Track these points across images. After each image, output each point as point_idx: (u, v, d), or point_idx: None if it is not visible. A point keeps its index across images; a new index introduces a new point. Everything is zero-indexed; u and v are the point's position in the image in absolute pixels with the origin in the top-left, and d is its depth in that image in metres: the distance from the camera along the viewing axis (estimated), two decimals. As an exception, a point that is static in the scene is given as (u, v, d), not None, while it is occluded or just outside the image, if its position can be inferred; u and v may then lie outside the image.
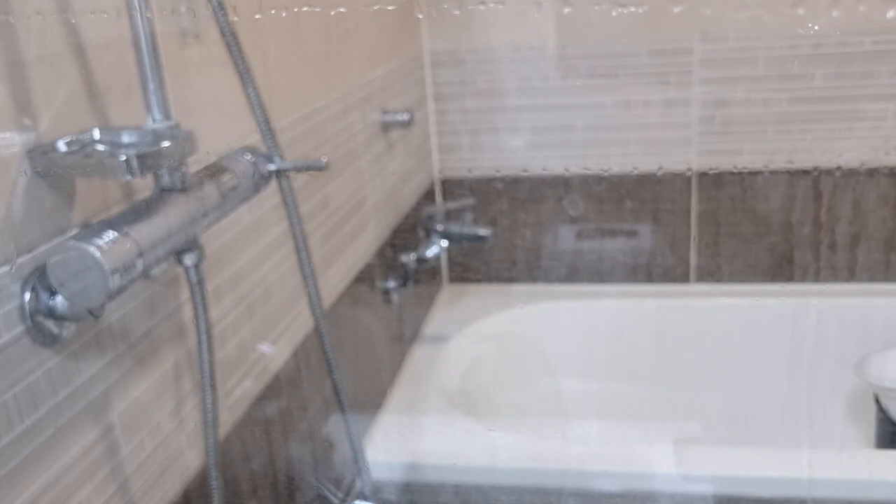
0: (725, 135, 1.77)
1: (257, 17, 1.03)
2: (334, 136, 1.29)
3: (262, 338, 1.05)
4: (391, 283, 1.57)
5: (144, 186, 0.77)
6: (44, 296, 0.63)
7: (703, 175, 1.81)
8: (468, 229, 1.75)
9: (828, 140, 1.74)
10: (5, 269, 0.61)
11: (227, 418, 0.96)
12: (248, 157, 0.86)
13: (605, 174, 1.85)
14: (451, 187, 1.92)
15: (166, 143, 0.66)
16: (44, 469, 0.65)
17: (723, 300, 1.86)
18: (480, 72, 1.82)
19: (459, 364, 1.68)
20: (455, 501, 1.33)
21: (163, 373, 0.82)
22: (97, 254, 0.60)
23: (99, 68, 0.72)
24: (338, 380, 1.08)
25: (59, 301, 0.64)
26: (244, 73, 0.84)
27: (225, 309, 0.95)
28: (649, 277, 1.91)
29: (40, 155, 0.64)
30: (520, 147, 1.87)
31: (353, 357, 1.37)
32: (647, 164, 1.82)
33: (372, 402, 1.48)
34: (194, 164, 0.76)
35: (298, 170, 0.94)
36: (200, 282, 0.78)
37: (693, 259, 1.88)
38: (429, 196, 1.86)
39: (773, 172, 1.78)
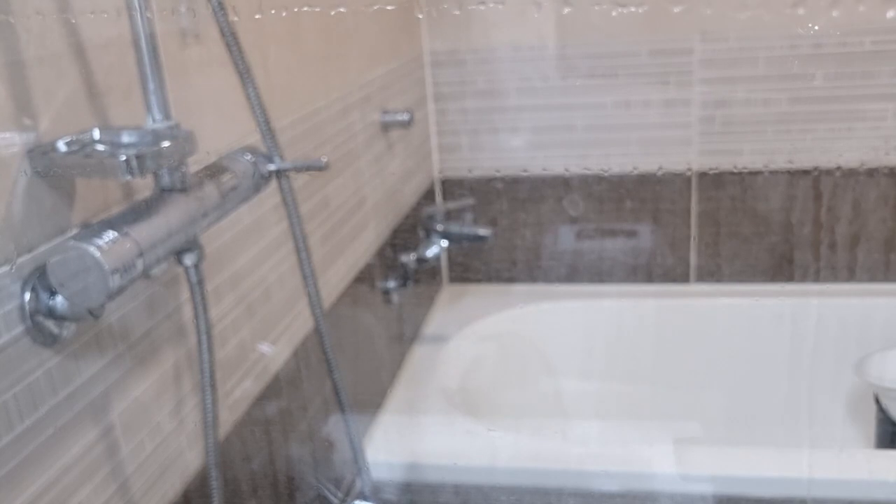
0: (725, 135, 1.77)
1: (257, 17, 1.03)
2: (334, 136, 1.29)
3: (262, 338, 1.05)
4: (391, 283, 1.57)
5: (144, 186, 0.77)
6: (44, 296, 0.63)
7: (703, 175, 1.81)
8: (468, 229, 1.75)
9: (828, 140, 1.74)
10: (5, 269, 0.61)
11: (227, 418, 0.96)
12: (248, 157, 0.86)
13: (605, 174, 1.85)
14: (451, 187, 1.92)
15: (166, 143, 0.66)
16: (44, 469, 0.65)
17: (723, 300, 1.86)
18: (480, 72, 1.82)
19: (459, 364, 1.68)
20: (455, 501, 1.33)
21: (163, 373, 0.82)
22: (97, 254, 0.60)
23: (99, 68, 0.72)
24: (338, 380, 1.08)
25: (59, 301, 0.64)
26: (244, 73, 0.84)
27: (225, 309, 0.95)
28: (649, 277, 1.91)
29: (40, 155, 0.64)
30: (520, 147, 1.87)
31: (353, 357, 1.37)
32: (647, 164, 1.82)
33: (372, 402, 1.48)
34: (194, 164, 0.76)
35: (298, 170, 0.94)
36: (200, 282, 0.78)
37: (693, 259, 1.88)
38: (429, 196, 1.86)
39: (773, 172, 1.78)
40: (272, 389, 1.07)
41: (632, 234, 1.89)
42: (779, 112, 1.74)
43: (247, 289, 1.00)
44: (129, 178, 0.65)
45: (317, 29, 1.24)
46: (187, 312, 0.86)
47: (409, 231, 1.70)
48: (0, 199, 0.61)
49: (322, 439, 1.23)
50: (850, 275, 1.82)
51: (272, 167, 0.89)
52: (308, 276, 0.98)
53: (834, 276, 1.83)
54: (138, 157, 0.63)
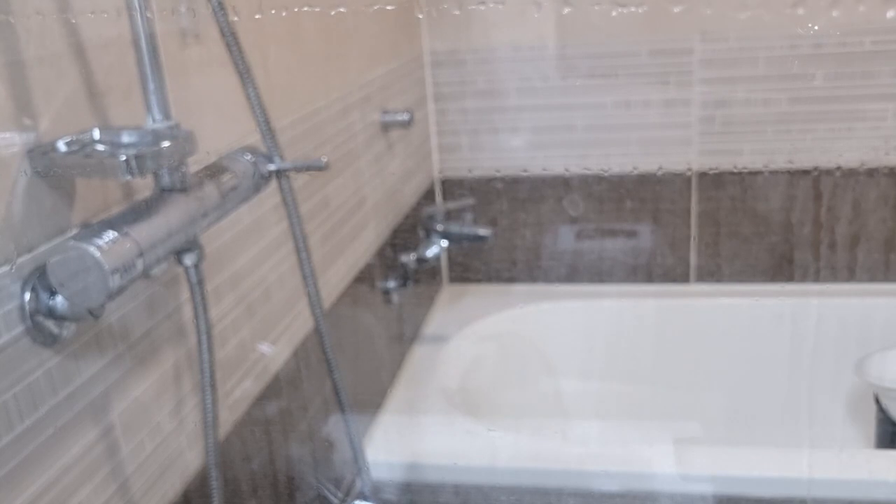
0: (725, 135, 1.77)
1: (257, 17, 1.03)
2: (334, 136, 1.29)
3: (262, 338, 1.05)
4: (391, 283, 1.57)
5: (144, 186, 0.77)
6: (44, 296, 0.63)
7: (703, 175, 1.81)
8: (468, 229, 1.75)
9: (828, 140, 1.74)
10: (5, 269, 0.61)
11: (227, 418, 0.96)
12: (248, 157, 0.86)
13: (605, 174, 1.85)
14: (451, 187, 1.92)
15: (166, 143, 0.66)
16: (44, 469, 0.65)
17: (723, 300, 1.86)
18: (480, 72, 1.82)
19: (459, 364, 1.68)
20: (455, 501, 1.33)
21: (163, 373, 0.82)
22: (97, 254, 0.60)
23: (99, 68, 0.72)
24: (338, 380, 1.08)
25: (59, 301, 0.64)
26: (244, 73, 0.84)
27: (225, 309, 0.95)
28: (649, 277, 1.91)
29: (40, 155, 0.64)
30: (520, 147, 1.87)
31: (353, 357, 1.37)
32: (647, 164, 1.82)
33: (372, 402, 1.48)
34: (194, 164, 0.76)
35: (298, 170, 0.94)
36: (200, 282, 0.78)
37: (693, 259, 1.88)
38: (429, 196, 1.86)
39: (773, 172, 1.78)
40: (272, 389, 1.07)
41: (632, 234, 1.89)
42: (779, 112, 1.73)
43: (247, 289, 1.00)
44: (129, 178, 0.65)
45: (317, 29, 1.24)
46: (187, 312, 0.86)
47: (409, 231, 1.70)
48: (0, 199, 0.61)
49: (322, 439, 1.23)
50: (850, 275, 1.82)
51: (272, 167, 0.89)
52: (308, 276, 0.98)
53: (834, 276, 1.83)
54: (138, 157, 0.63)
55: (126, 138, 0.69)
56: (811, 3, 1.63)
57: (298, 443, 1.16)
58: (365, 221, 1.43)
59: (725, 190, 1.81)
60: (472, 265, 1.98)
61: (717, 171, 1.80)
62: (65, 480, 0.67)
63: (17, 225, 0.62)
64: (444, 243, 1.73)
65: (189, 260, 0.76)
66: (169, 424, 0.83)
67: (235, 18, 0.82)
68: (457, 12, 1.77)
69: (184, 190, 0.72)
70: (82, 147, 0.67)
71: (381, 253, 1.52)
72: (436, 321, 1.82)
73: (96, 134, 0.69)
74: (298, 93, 1.17)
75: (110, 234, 0.62)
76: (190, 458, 0.87)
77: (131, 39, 0.67)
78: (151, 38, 0.67)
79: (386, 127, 1.55)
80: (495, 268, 1.97)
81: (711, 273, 1.89)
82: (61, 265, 0.60)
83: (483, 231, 1.76)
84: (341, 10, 1.31)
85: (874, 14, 1.64)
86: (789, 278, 1.85)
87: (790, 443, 1.44)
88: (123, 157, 0.63)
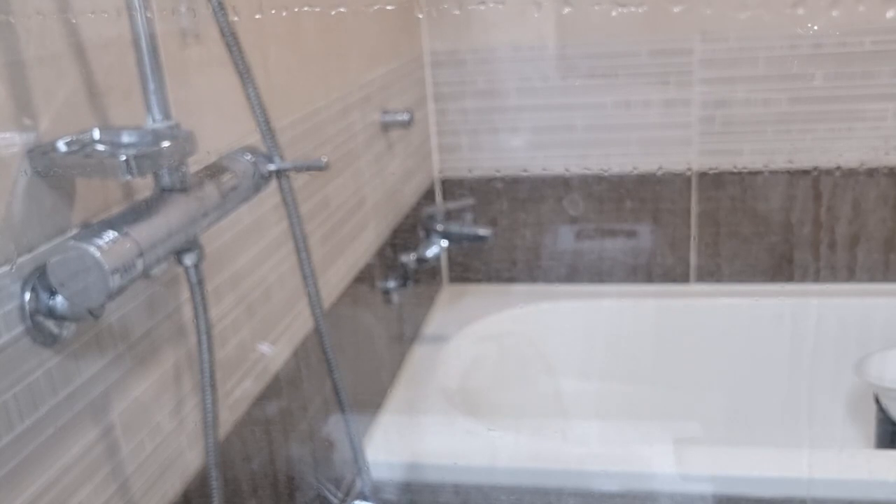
0: (725, 135, 1.77)
1: (257, 17, 1.03)
2: (334, 136, 1.29)
3: (262, 338, 1.05)
4: (391, 283, 1.57)
5: (144, 186, 0.77)
6: (44, 296, 0.63)
7: (703, 175, 1.81)
8: (468, 229, 1.75)
9: (828, 140, 1.74)
10: (5, 269, 0.61)
11: (227, 418, 0.96)
12: (248, 157, 0.86)
13: (605, 174, 1.85)
14: (451, 187, 1.92)
15: (166, 143, 0.66)
16: (44, 469, 0.65)
17: (723, 300, 1.86)
18: (480, 72, 1.82)
19: (459, 364, 1.68)
20: (455, 501, 1.33)
21: (163, 373, 0.82)
22: (97, 254, 0.60)
23: (99, 68, 0.72)
24: (338, 380, 1.08)
25: (59, 301, 0.64)
26: (244, 73, 0.84)
27: (225, 309, 0.95)
28: (649, 277, 1.91)
29: (40, 155, 0.64)
30: (520, 147, 1.87)
31: (353, 357, 1.37)
32: (647, 164, 1.82)
33: (372, 402, 1.48)
34: (194, 164, 0.76)
35: (298, 170, 0.94)
36: (200, 282, 0.78)
37: (693, 259, 1.88)
38: (429, 196, 1.86)
39: (773, 172, 1.78)
40: (272, 389, 1.07)
41: (632, 234, 1.89)
42: (779, 112, 1.74)
43: (247, 289, 1.00)
44: (129, 178, 0.65)
45: (317, 29, 1.24)
46: (187, 312, 0.86)
47: (409, 231, 1.70)
48: (0, 199, 0.61)
49: (322, 439, 1.23)
50: (850, 275, 1.82)
51: (272, 167, 0.89)
52: (308, 276, 0.98)
53: (834, 276, 1.83)
54: (138, 157, 0.63)
55: (126, 138, 0.69)
56: (811, 3, 1.63)
57: (298, 443, 1.16)
58: (365, 221, 1.43)
59: (725, 190, 1.81)
60: (472, 265, 1.98)
61: (717, 171, 1.80)
62: (65, 480, 0.67)
63: (17, 225, 0.62)
64: (444, 243, 1.73)
65: (189, 260, 0.76)
66: (169, 424, 0.83)
67: (235, 18, 0.82)
68: (457, 12, 1.77)
69: (184, 190, 0.72)
70: (82, 147, 0.67)
71: (381, 253, 1.52)
72: (436, 321, 1.82)
73: (96, 134, 0.69)
74: (298, 93, 1.17)
75: (110, 234, 0.62)
76: (190, 458, 0.87)
77: (131, 39, 0.67)
78: (151, 38, 0.67)
79: (386, 127, 1.55)
80: (495, 268, 1.97)
81: (711, 273, 1.89)
82: (61, 265, 0.60)
83: (483, 231, 1.76)
84: (341, 10, 1.31)
85: (874, 14, 1.64)
86: (789, 278, 1.85)
87: (790, 443, 1.44)
88: (123, 157, 0.63)
